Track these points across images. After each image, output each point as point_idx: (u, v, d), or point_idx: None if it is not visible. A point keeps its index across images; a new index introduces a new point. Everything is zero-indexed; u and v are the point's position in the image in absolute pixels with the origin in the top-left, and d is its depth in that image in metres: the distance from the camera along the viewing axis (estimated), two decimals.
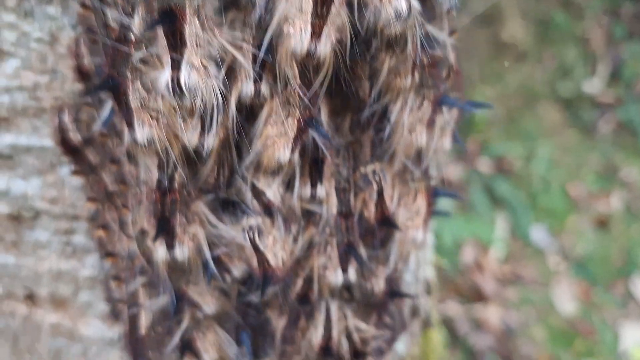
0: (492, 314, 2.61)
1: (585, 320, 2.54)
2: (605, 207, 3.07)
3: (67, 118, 0.37)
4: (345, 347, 0.47)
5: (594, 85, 3.61)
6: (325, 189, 0.40)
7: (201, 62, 0.30)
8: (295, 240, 0.40)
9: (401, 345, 0.64)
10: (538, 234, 2.91)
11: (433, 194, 0.44)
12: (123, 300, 0.43)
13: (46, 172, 0.42)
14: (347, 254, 0.41)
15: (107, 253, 0.42)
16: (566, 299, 2.66)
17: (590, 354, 2.44)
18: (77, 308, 0.50)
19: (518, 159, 3.26)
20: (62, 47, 0.38)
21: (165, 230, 0.36)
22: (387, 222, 0.42)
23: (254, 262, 0.38)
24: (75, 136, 0.38)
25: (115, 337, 0.51)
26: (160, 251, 0.37)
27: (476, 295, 2.61)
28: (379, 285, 0.46)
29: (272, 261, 0.38)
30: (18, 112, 0.40)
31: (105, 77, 0.31)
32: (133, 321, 0.43)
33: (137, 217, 0.38)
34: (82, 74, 0.34)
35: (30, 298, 0.51)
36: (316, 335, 0.44)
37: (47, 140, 0.41)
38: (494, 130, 3.44)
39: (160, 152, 0.32)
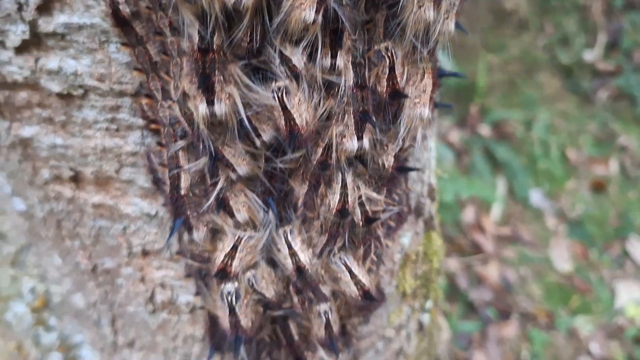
0: (491, 271, 2.67)
1: (582, 277, 2.59)
2: (603, 171, 3.12)
3: None
4: (358, 215, 0.53)
5: (593, 54, 3.64)
6: (344, 61, 0.45)
7: None
8: (316, 108, 0.46)
9: (406, 240, 0.70)
10: (536, 196, 2.96)
11: (438, 74, 0.50)
12: (164, 165, 0.49)
13: (96, 50, 0.47)
14: (362, 121, 0.47)
15: (150, 121, 0.48)
16: (563, 259, 2.72)
17: (586, 309, 2.50)
18: (119, 188, 0.56)
19: (518, 125, 3.31)
20: None
21: (206, 86, 0.41)
22: (397, 95, 0.47)
23: (282, 122, 0.44)
24: (124, 9, 0.43)
25: (153, 213, 0.57)
26: (201, 108, 0.42)
27: (476, 253, 2.67)
28: (388, 160, 0.52)
29: (298, 120, 0.44)
30: None
31: None
32: (174, 183, 0.49)
33: (179, 82, 0.44)
34: None
35: (75, 180, 0.57)
36: (333, 200, 0.50)
37: (97, 19, 0.46)
38: (495, 97, 3.49)
39: (205, 4, 0.37)
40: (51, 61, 0.48)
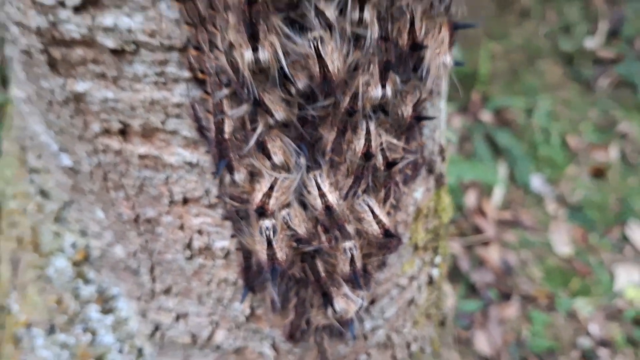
0: (492, 254, 2.72)
1: (581, 261, 2.63)
2: (603, 157, 3.16)
3: None
4: (380, 160, 0.59)
5: (595, 42, 3.67)
6: (370, 16, 0.51)
7: None
8: (346, 58, 0.52)
9: (419, 195, 0.76)
10: (537, 182, 3.01)
11: (453, 27, 0.55)
12: (209, 112, 0.55)
13: (148, 8, 0.53)
14: (385, 71, 0.53)
15: (199, 70, 0.54)
16: (563, 242, 2.76)
17: (586, 291, 2.54)
18: (164, 139, 0.62)
19: (520, 112, 3.35)
20: None
21: (252, 34, 0.47)
22: (416, 47, 0.53)
23: (316, 69, 0.50)
24: None
25: (195, 162, 0.63)
26: (247, 55, 0.48)
27: (477, 237, 2.72)
28: (407, 110, 0.58)
29: (330, 67, 0.50)
30: None
31: None
32: (218, 128, 0.55)
33: (226, 34, 0.50)
34: None
35: (123, 132, 0.63)
36: (359, 144, 0.56)
37: None
38: (497, 84, 3.54)
39: None
40: (107, 19, 0.54)
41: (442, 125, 0.79)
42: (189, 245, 0.70)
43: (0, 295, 1.06)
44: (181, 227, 0.69)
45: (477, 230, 2.79)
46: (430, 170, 0.77)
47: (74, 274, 0.85)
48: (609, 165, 3.10)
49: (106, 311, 0.87)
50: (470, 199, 2.90)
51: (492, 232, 2.80)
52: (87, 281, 0.86)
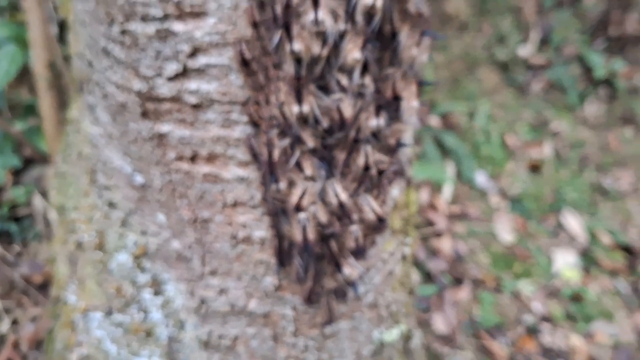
0: (444, 244, 2.98)
1: (522, 247, 2.87)
2: (538, 154, 3.45)
3: (243, 46, 0.76)
4: (374, 170, 0.88)
5: (527, 50, 4.00)
6: (368, 81, 0.80)
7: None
8: (354, 107, 0.81)
9: (396, 192, 1.06)
10: (481, 178, 3.31)
11: (419, 83, 0.86)
12: (264, 143, 0.83)
13: (222, 78, 0.80)
14: (379, 109, 0.82)
15: (258, 117, 0.82)
16: (505, 231, 3.01)
17: (527, 274, 2.80)
18: (223, 161, 0.89)
19: (462, 116, 3.66)
20: (240, 11, 0.76)
21: (299, 97, 0.75)
22: (397, 97, 0.83)
23: (337, 117, 0.79)
24: (247, 55, 0.76)
25: (245, 176, 0.90)
26: (295, 109, 0.76)
27: (431, 229, 2.96)
28: (392, 141, 0.88)
29: (345, 115, 0.79)
30: (212, 45, 0.78)
31: (282, 21, 0.70)
32: (270, 154, 0.82)
33: (278, 96, 0.78)
34: (254, 24, 0.73)
35: (193, 158, 0.90)
36: (361, 161, 0.85)
37: (226, 60, 0.79)
38: (441, 92, 3.85)
39: (302, 56, 0.71)
40: (192, 85, 0.81)
41: (409, 140, 1.10)
42: (234, 236, 0.97)
43: (57, 288, 1.30)
44: (230, 223, 0.96)
45: (430, 224, 3.03)
46: (403, 175, 1.07)
47: (134, 265, 1.11)
48: (544, 161, 3.38)
49: (157, 293, 1.13)
50: (423, 195, 3.17)
51: (444, 224, 3.03)
52: (143, 270, 1.11)
